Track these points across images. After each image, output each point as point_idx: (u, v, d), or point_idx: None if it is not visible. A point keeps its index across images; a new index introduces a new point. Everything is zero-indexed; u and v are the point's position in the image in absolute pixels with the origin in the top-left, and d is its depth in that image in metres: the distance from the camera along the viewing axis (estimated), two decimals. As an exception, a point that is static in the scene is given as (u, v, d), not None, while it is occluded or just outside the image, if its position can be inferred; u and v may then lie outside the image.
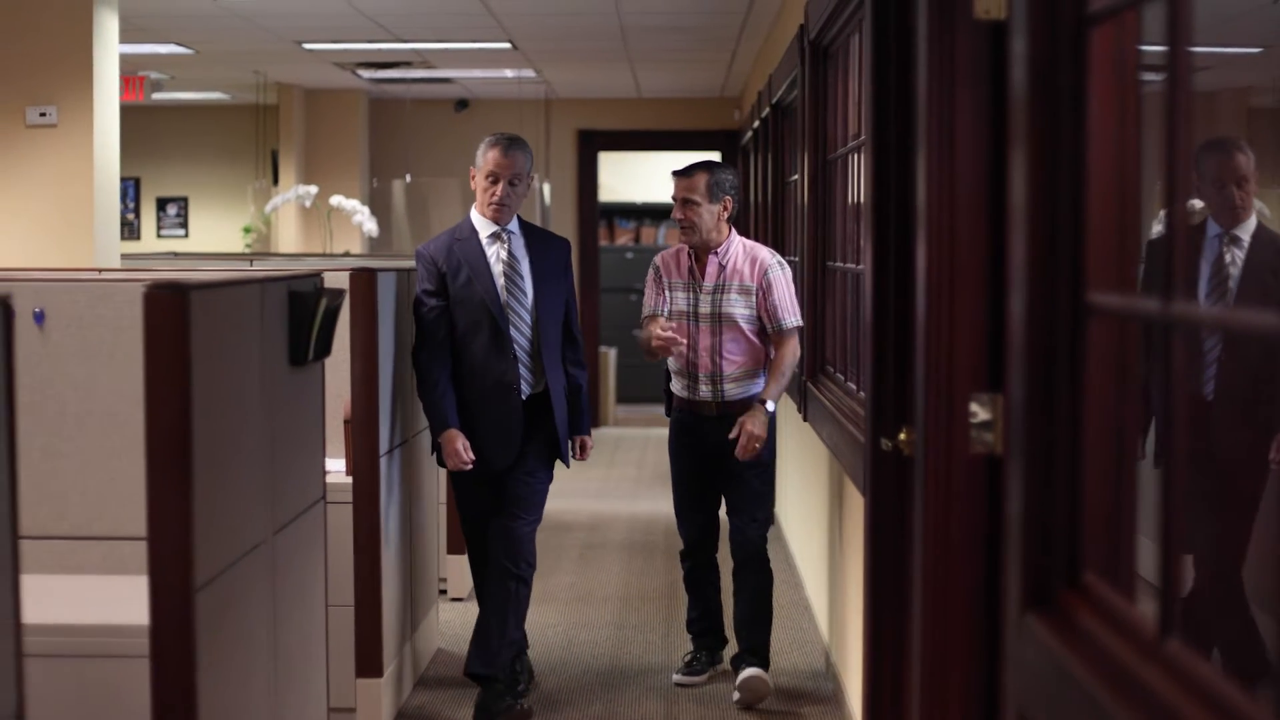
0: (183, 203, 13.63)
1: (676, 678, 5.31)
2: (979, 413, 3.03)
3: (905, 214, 3.87)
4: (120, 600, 3.28)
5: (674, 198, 5.19)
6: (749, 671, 5.08)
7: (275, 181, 12.28)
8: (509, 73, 11.07)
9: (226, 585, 3.06)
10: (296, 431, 3.61)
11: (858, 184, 5.26)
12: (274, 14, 8.20)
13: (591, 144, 13.10)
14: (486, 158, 4.90)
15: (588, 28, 8.66)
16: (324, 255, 9.88)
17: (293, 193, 10.75)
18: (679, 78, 11.48)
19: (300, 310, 3.54)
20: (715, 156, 13.63)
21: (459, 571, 6.49)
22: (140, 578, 3.64)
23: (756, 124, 9.53)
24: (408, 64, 10.49)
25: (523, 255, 4.94)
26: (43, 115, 6.31)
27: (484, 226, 4.92)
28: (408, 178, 12.34)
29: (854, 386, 5.32)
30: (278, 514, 3.44)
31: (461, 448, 4.85)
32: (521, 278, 4.91)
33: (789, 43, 7.00)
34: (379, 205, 12.34)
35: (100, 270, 5.42)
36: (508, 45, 9.37)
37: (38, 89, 6.31)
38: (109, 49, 6.45)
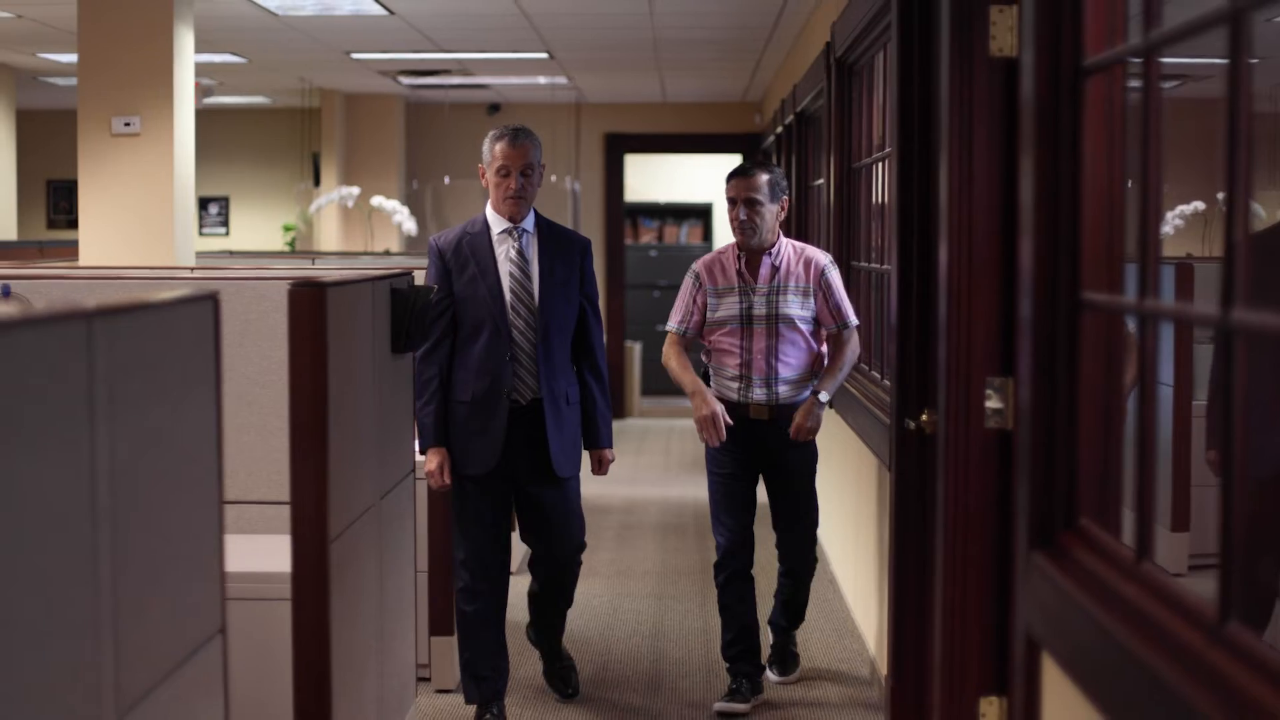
0: (224, 202, 14.17)
1: (719, 706, 5.04)
2: (992, 394, 3.54)
3: (927, 219, 4.38)
4: (256, 554, 3.80)
5: (733, 199, 5.05)
6: (786, 679, 5.35)
7: (316, 183, 12.82)
8: (542, 79, 11.59)
9: (349, 540, 3.58)
10: (395, 411, 4.13)
11: (882, 191, 5.76)
12: (330, 28, 8.73)
13: (618, 147, 13.65)
14: (494, 151, 4.69)
15: (623, 39, 9.18)
16: (370, 254, 10.39)
17: (336, 193, 11.29)
18: (703, 83, 12.00)
19: (399, 305, 4.06)
20: (736, 159, 14.18)
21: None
22: (266, 536, 4.19)
23: (780, 130, 10.04)
24: (447, 71, 11.02)
25: (534, 255, 4.71)
26: (127, 125, 6.83)
27: (497, 223, 4.73)
28: (446, 179, 12.88)
29: (878, 375, 5.84)
30: (383, 482, 3.96)
31: (439, 468, 4.66)
32: (530, 279, 4.69)
33: (814, 57, 7.50)
34: (416, 205, 12.90)
35: (191, 269, 5.94)
36: (545, 55, 9.89)
37: (122, 100, 6.83)
38: (186, 62, 6.97)
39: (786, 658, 5.40)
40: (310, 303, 3.31)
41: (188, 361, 2.42)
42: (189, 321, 2.44)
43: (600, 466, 4.90)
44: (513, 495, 4.79)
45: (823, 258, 5.08)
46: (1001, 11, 3.46)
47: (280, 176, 13.82)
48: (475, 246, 4.69)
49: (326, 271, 4.82)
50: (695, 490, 9.32)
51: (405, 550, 4.30)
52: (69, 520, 1.90)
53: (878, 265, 5.88)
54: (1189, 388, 5.47)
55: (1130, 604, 2.32)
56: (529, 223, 4.74)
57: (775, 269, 5.01)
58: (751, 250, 5.04)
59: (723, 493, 5.07)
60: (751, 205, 5.00)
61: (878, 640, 5.30)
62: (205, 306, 2.51)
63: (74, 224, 14.63)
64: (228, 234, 14.17)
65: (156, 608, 2.24)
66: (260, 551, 3.82)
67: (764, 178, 5.02)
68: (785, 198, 5.08)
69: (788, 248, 5.06)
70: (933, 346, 4.14)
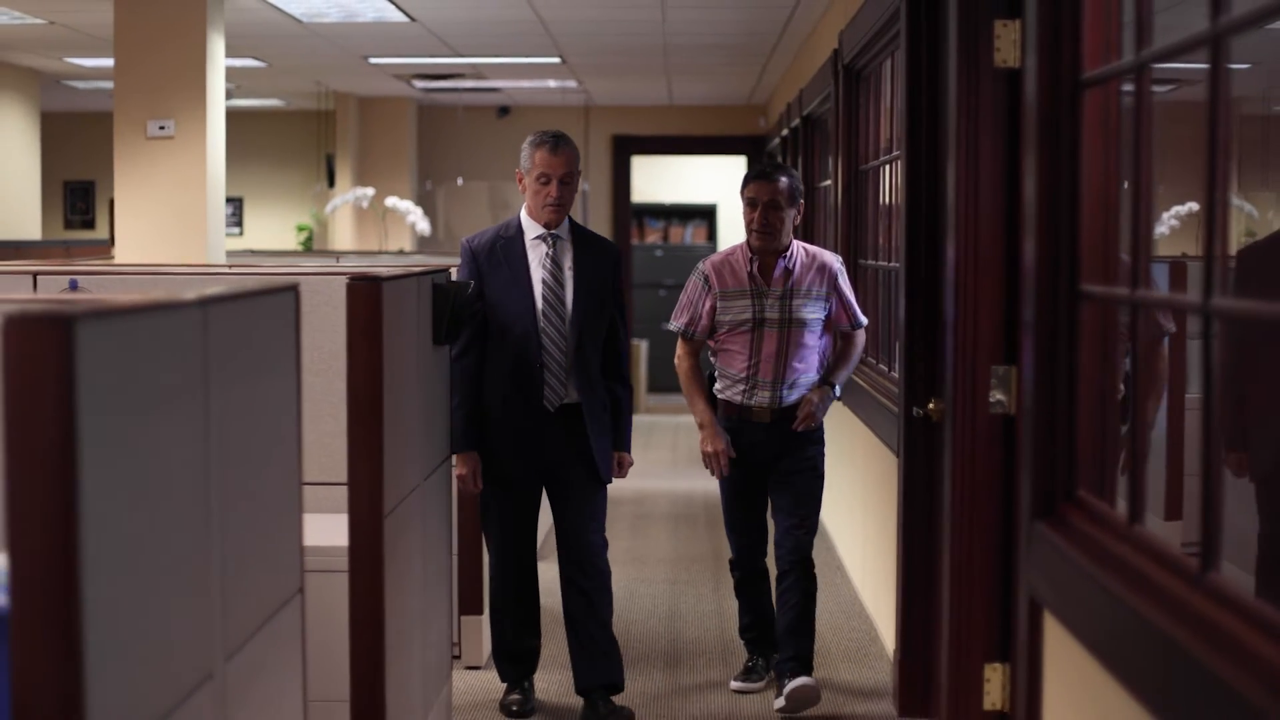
0: (238, 203, 14.44)
1: (735, 685, 5.22)
2: (996, 381, 3.82)
3: (934, 219, 4.66)
4: (314, 531, 4.06)
5: (753, 201, 4.96)
6: (800, 681, 4.94)
7: (331, 184, 13.10)
8: (552, 83, 11.86)
9: (399, 517, 3.84)
10: (435, 399, 4.40)
11: (889, 191, 6.04)
12: (351, 33, 9.01)
13: (625, 148, 13.95)
14: (535, 159, 4.69)
15: (634, 45, 9.46)
16: (386, 253, 10.66)
17: (351, 194, 11.57)
18: (709, 87, 12.28)
19: (440, 300, 4.33)
20: (741, 161, 14.48)
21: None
22: (315, 516, 4.45)
23: (786, 132, 10.32)
24: (460, 75, 11.29)
25: (567, 261, 4.72)
26: (161, 128, 7.10)
27: (531, 228, 4.73)
28: (459, 180, 13.16)
29: (885, 368, 6.11)
30: (426, 465, 4.23)
31: (471, 474, 4.73)
32: (562, 286, 4.69)
33: (821, 63, 7.77)
34: (429, 206, 13.18)
35: (229, 267, 6.20)
36: (558, 59, 10.17)
37: (157, 104, 7.10)
38: (218, 68, 7.24)
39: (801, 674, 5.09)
40: (368, 296, 3.57)
41: (275, 345, 2.69)
42: (276, 310, 2.71)
43: (620, 469, 4.88)
44: (538, 500, 4.87)
45: (834, 261, 5.07)
46: (1005, 26, 3.74)
47: (293, 177, 14.10)
48: (509, 250, 4.70)
49: (349, 269, 5.08)
50: (704, 483, 9.58)
51: (444, 530, 4.57)
52: (189, 484, 2.17)
53: (885, 263, 6.14)
54: (1183, 381, 5.74)
55: (1123, 561, 2.59)
56: (563, 229, 4.74)
57: (789, 272, 4.96)
58: (765, 253, 4.98)
59: (733, 499, 5.13)
60: (772, 209, 4.93)
61: (887, 622, 5.56)
62: (289, 297, 2.78)
63: (90, 224, 14.90)
64: (241, 234, 14.43)
65: (252, 565, 2.51)
66: (311, 529, 4.07)
67: (785, 182, 4.97)
68: (801, 202, 5.06)
69: (800, 250, 5.02)
70: (939, 338, 4.41)
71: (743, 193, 5.05)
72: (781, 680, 4.99)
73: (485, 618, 5.58)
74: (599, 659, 4.86)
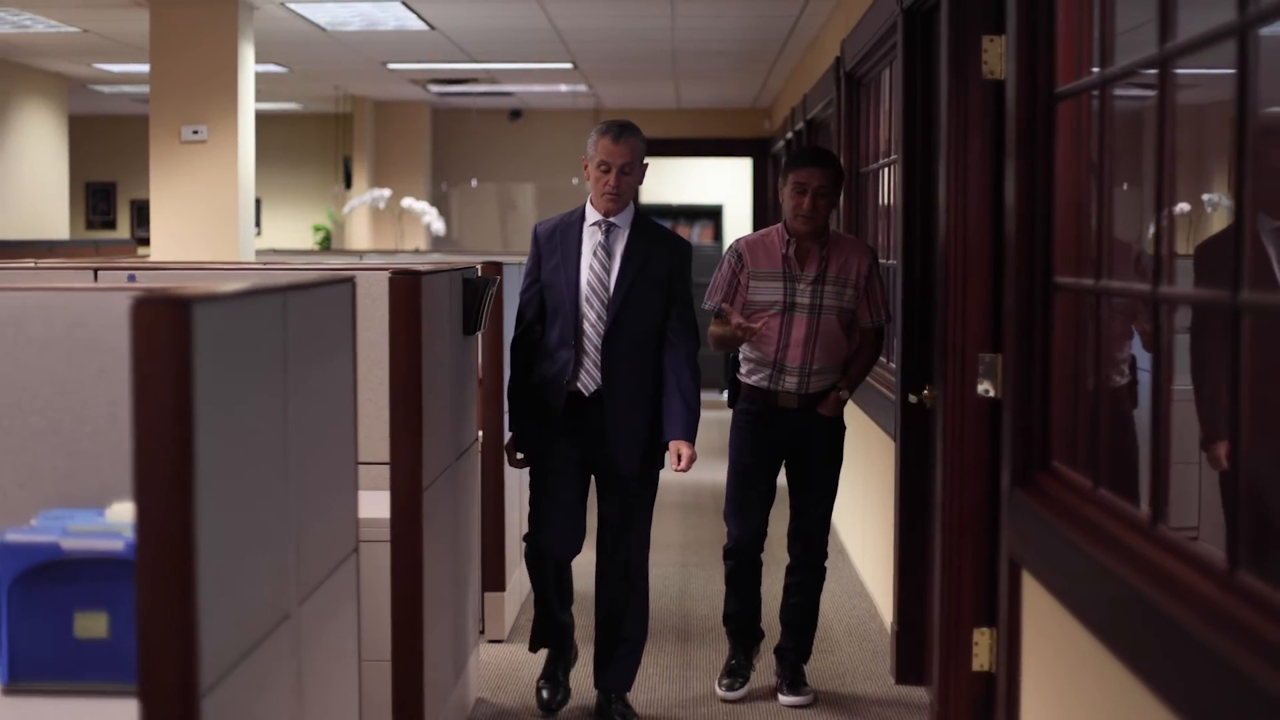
0: (255, 203, 14.80)
1: (722, 692, 5.17)
2: (984, 367, 4.15)
3: (928, 219, 4.99)
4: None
5: (803, 186, 4.87)
6: (798, 699, 5.07)
7: (348, 185, 13.46)
8: (563, 87, 12.21)
9: (436, 492, 4.19)
10: (466, 385, 4.75)
11: (887, 193, 6.38)
12: (372, 41, 9.36)
13: (634, 150, 14.30)
14: (598, 147, 4.70)
15: (644, 51, 9.81)
16: (403, 252, 11.01)
17: (369, 195, 11.92)
18: (716, 91, 12.62)
19: (470, 293, 4.67)
20: (747, 163, 14.85)
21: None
22: (359, 493, 4.78)
23: (790, 135, 10.66)
24: (474, 80, 11.64)
25: (619, 249, 4.71)
26: (195, 133, 7.45)
27: (591, 215, 4.76)
28: (474, 182, 13.52)
29: (884, 358, 6.45)
30: (457, 445, 4.57)
31: (516, 456, 4.83)
32: (609, 272, 4.70)
33: (824, 69, 8.11)
34: (444, 207, 13.54)
35: (265, 264, 6.54)
36: (570, 65, 10.52)
37: (191, 110, 7.46)
38: (248, 75, 7.59)
39: (797, 682, 5.17)
40: (409, 289, 3.92)
41: (336, 331, 3.03)
42: (337, 299, 3.05)
43: (679, 461, 4.63)
44: (584, 486, 4.83)
45: (869, 251, 5.04)
46: (992, 40, 4.08)
47: (308, 179, 14.46)
48: (566, 235, 4.74)
49: (375, 266, 5.42)
50: (712, 474, 9.91)
51: (474, 508, 4.91)
52: (272, 448, 2.51)
53: (884, 260, 6.48)
54: (1170, 371, 6.07)
55: (1088, 520, 2.93)
56: (623, 218, 4.72)
57: (824, 259, 4.91)
58: (804, 237, 4.93)
59: (744, 483, 5.06)
60: (822, 195, 4.86)
61: (886, 601, 5.90)
62: (347, 288, 3.12)
63: (110, 224, 15.26)
64: (259, 234, 14.79)
65: (319, 524, 2.85)
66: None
67: (834, 168, 4.92)
68: (840, 189, 5.00)
69: (835, 238, 4.99)
70: (933, 330, 4.75)
71: (789, 176, 4.92)
72: (783, 671, 5.13)
73: (508, 594, 5.92)
74: (613, 664, 4.90)
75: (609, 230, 4.72)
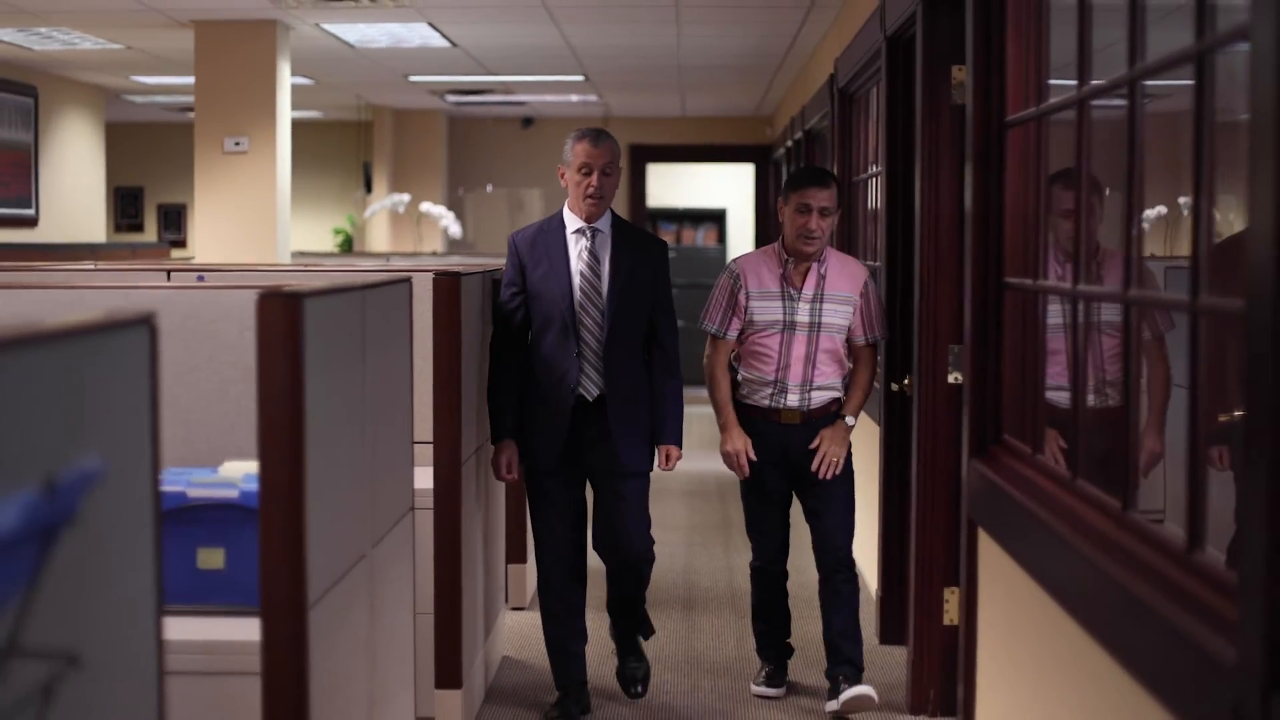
0: (278, 208, 15.41)
1: (756, 689, 5.27)
2: (953, 357, 4.73)
3: (908, 226, 5.56)
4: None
5: (807, 206, 4.93)
6: (858, 691, 4.97)
7: (368, 190, 14.06)
8: (574, 97, 12.81)
9: (469, 468, 4.76)
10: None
11: (875, 201, 6.95)
12: (395, 55, 9.95)
13: (641, 157, 14.93)
14: (575, 151, 4.75)
15: (652, 65, 10.40)
16: (422, 254, 11.59)
17: (389, 200, 12.51)
18: (720, 100, 13.21)
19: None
20: (750, 169, 15.45)
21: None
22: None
23: (789, 143, 11.25)
24: (490, 90, 12.23)
25: (606, 254, 4.77)
26: (237, 144, 8.04)
27: (572, 221, 4.78)
28: (489, 187, 14.13)
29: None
30: (484, 430, 5.15)
31: (504, 462, 4.82)
32: (599, 278, 4.75)
33: (820, 83, 8.69)
34: (460, 211, 14.15)
35: (305, 266, 7.12)
36: (581, 77, 11.11)
37: (233, 122, 8.04)
38: (285, 89, 8.18)
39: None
40: (451, 288, 4.50)
41: (397, 323, 3.61)
42: (397, 296, 3.63)
43: (666, 462, 4.87)
44: (583, 493, 4.92)
45: (865, 269, 5.10)
46: (960, 69, 4.66)
47: (328, 184, 15.06)
48: (550, 244, 4.77)
49: (403, 269, 5.99)
50: (715, 464, 10.47)
51: (497, 498, 5.49)
52: (355, 419, 3.09)
53: (872, 262, 7.05)
54: (1139, 369, 6.63)
55: (1029, 481, 3.51)
56: (603, 223, 4.79)
57: (822, 277, 4.97)
58: (803, 257, 4.98)
59: (761, 502, 5.13)
60: (824, 215, 4.93)
61: (874, 576, 6.46)
62: (404, 287, 3.70)
63: (137, 227, 15.84)
64: (281, 237, 15.39)
65: (386, 483, 3.43)
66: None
67: (834, 188, 5.00)
68: (840, 208, 5.10)
69: (832, 256, 5.04)
70: (913, 325, 5.32)
71: (791, 196, 4.98)
72: (837, 686, 5.01)
73: (529, 565, 6.50)
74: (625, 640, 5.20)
75: (594, 236, 4.77)
